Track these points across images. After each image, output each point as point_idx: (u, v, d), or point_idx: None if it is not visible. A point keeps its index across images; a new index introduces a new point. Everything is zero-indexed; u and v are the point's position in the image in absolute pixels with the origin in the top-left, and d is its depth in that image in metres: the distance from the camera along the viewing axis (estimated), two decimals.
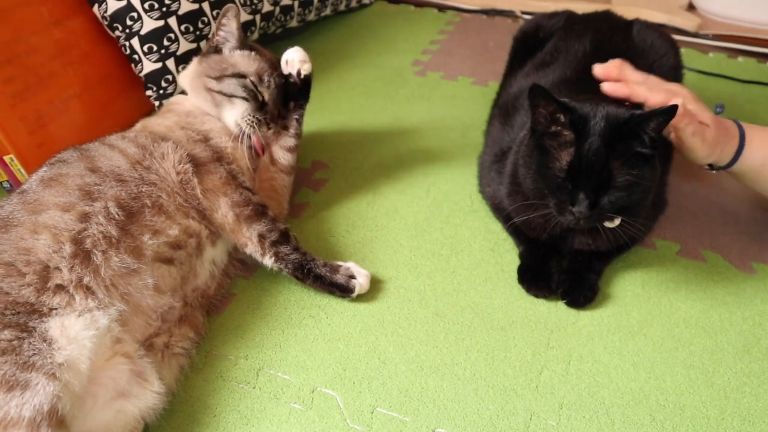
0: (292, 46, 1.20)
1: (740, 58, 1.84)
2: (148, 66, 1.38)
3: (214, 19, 1.46)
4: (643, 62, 1.23)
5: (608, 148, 0.86)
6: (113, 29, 1.36)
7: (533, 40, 1.33)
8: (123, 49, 1.38)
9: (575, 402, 0.87)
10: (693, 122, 0.94)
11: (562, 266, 1.06)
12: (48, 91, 1.27)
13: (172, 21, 1.38)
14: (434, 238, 1.15)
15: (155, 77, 1.39)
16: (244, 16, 1.55)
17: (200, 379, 0.91)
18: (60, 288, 0.80)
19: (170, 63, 1.39)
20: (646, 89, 0.96)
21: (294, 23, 1.80)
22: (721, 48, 1.91)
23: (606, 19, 1.31)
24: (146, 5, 1.35)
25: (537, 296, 1.02)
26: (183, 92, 1.18)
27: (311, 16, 1.86)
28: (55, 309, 0.79)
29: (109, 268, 0.84)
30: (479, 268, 1.09)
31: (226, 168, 1.03)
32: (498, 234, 1.16)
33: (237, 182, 1.02)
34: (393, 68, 1.78)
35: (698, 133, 0.94)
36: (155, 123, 1.09)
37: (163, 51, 1.38)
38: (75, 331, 0.76)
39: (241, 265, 1.08)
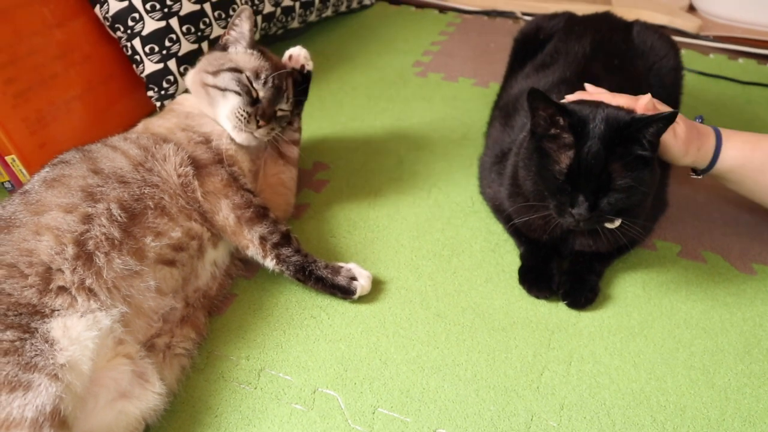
0: (293, 47, 1.21)
1: (740, 60, 1.84)
2: (150, 67, 1.39)
3: (216, 20, 1.47)
4: (643, 63, 1.24)
5: (608, 151, 0.87)
6: (115, 30, 1.37)
7: (534, 42, 1.33)
8: (124, 49, 1.39)
9: (576, 403, 0.87)
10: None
11: (563, 267, 1.06)
12: (50, 92, 1.27)
13: (174, 22, 1.38)
14: (435, 238, 1.16)
15: (157, 78, 1.40)
16: None
17: (202, 380, 0.91)
18: (62, 289, 0.81)
19: (172, 64, 1.40)
20: (609, 95, 0.99)
21: (295, 24, 1.80)
22: (722, 49, 1.91)
23: (606, 21, 1.32)
24: (148, 6, 1.35)
25: (538, 297, 1.02)
26: (187, 91, 1.17)
27: (312, 17, 1.86)
28: (58, 310, 0.79)
29: (112, 270, 0.84)
30: (480, 269, 1.09)
31: (227, 170, 1.03)
32: (499, 235, 1.16)
33: (238, 184, 1.02)
34: (394, 69, 1.79)
35: (670, 130, 0.95)
36: (156, 124, 1.09)
37: (164, 52, 1.38)
38: (77, 332, 0.76)
39: (243, 264, 1.08)
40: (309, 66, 1.22)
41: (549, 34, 1.32)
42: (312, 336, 0.97)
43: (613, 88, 1.01)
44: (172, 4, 1.38)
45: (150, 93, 1.42)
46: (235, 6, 1.51)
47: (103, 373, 0.79)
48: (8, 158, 1.19)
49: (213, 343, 0.96)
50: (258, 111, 1.06)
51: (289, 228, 1.04)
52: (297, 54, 1.21)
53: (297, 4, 1.74)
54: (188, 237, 0.96)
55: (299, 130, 1.25)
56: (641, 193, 0.90)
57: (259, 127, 1.07)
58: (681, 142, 0.96)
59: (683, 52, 1.30)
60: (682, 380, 0.90)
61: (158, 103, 1.42)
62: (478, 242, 1.15)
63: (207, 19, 1.45)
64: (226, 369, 0.92)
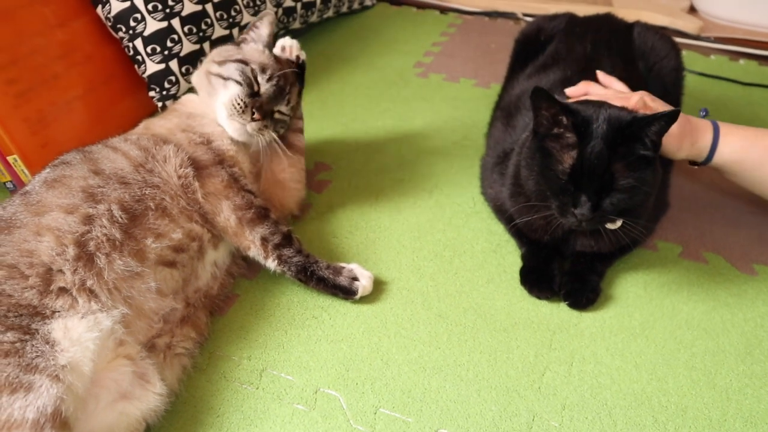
0: (282, 38, 1.22)
1: (741, 61, 1.84)
2: (152, 67, 1.39)
3: (218, 20, 1.47)
4: (643, 64, 1.24)
5: (610, 151, 0.87)
6: (117, 30, 1.37)
7: (535, 43, 1.33)
8: (126, 50, 1.39)
9: (578, 403, 0.87)
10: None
11: (564, 268, 1.06)
12: (51, 92, 1.27)
13: (176, 22, 1.39)
14: (437, 239, 1.16)
15: (158, 78, 1.40)
16: (247, 18, 1.55)
17: (203, 380, 0.91)
18: (63, 290, 0.80)
19: (173, 64, 1.40)
20: (608, 93, 1.03)
21: (296, 25, 1.80)
22: (723, 51, 1.91)
23: (607, 22, 1.32)
24: (150, 6, 1.35)
25: (539, 298, 1.02)
26: (191, 91, 1.17)
27: (314, 18, 1.86)
28: (58, 311, 0.79)
29: (113, 271, 0.84)
30: (482, 270, 1.09)
31: (228, 171, 1.03)
32: (500, 235, 1.16)
33: (239, 185, 1.02)
34: (395, 70, 1.79)
35: None
36: (158, 124, 1.09)
37: (166, 52, 1.38)
38: (78, 333, 0.76)
39: (244, 263, 1.08)
40: (303, 56, 1.23)
41: (550, 35, 1.32)
42: (314, 336, 0.97)
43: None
44: (174, 5, 1.38)
45: (152, 93, 1.42)
46: (237, 7, 1.52)
47: (104, 374, 0.79)
48: (10, 158, 1.19)
49: (215, 343, 0.96)
50: (255, 103, 1.05)
51: (291, 228, 1.04)
52: (290, 45, 1.21)
53: (298, 5, 1.74)
54: (189, 238, 0.96)
55: (302, 116, 1.25)
56: (643, 193, 0.90)
57: (253, 120, 1.04)
58: (673, 137, 0.97)
59: (684, 53, 1.30)
60: (683, 381, 0.90)
61: (160, 104, 1.42)
62: (480, 243, 1.15)
63: (209, 20, 1.45)
64: (227, 369, 0.92)
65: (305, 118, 1.28)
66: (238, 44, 1.13)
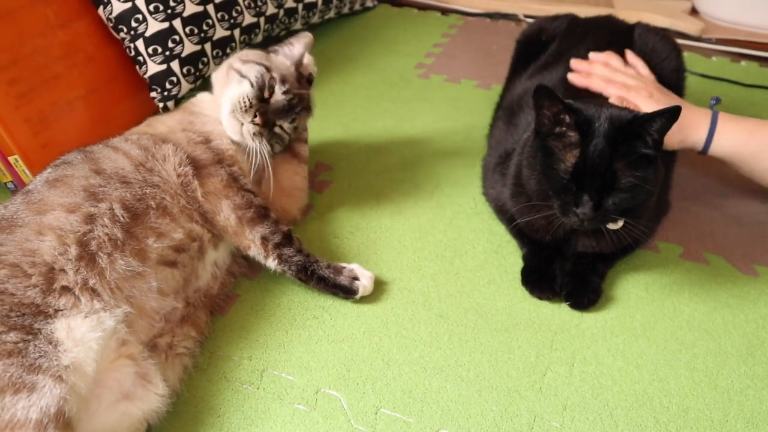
0: None
1: (743, 62, 1.84)
2: (153, 68, 1.39)
3: (219, 21, 1.47)
4: None
5: (612, 150, 0.87)
6: (118, 31, 1.37)
7: (536, 44, 1.33)
8: (128, 50, 1.39)
9: (579, 404, 0.87)
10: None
11: (566, 268, 1.06)
12: (52, 93, 1.27)
13: (177, 23, 1.39)
14: (438, 239, 1.16)
15: (160, 79, 1.40)
16: (248, 19, 1.56)
17: (204, 380, 0.91)
18: (65, 290, 0.80)
19: (175, 65, 1.40)
20: (602, 82, 1.09)
21: (298, 26, 1.81)
22: (724, 52, 1.91)
23: (608, 23, 1.32)
24: (151, 7, 1.35)
25: (540, 298, 1.02)
26: (192, 91, 1.17)
27: (315, 19, 1.87)
28: (61, 310, 0.79)
29: (114, 270, 0.84)
30: (483, 270, 1.09)
31: (227, 170, 1.03)
32: (501, 236, 1.16)
33: (239, 185, 1.02)
34: (396, 71, 1.79)
35: None
36: (160, 121, 1.10)
37: (167, 53, 1.39)
38: (81, 333, 0.76)
39: (245, 262, 1.08)
40: (314, 72, 1.22)
41: (551, 35, 1.32)
42: (314, 336, 0.97)
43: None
44: (176, 6, 1.38)
45: (153, 94, 1.42)
46: (238, 8, 1.52)
47: (106, 374, 0.79)
48: (11, 159, 1.19)
49: (215, 343, 0.96)
50: (261, 108, 1.04)
51: (291, 228, 1.04)
52: (306, 63, 1.19)
53: (300, 6, 1.75)
54: (189, 238, 0.96)
55: (306, 128, 1.25)
56: (645, 192, 0.90)
57: (253, 122, 1.03)
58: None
59: (685, 54, 1.30)
60: (684, 382, 0.90)
61: (161, 104, 1.42)
62: (481, 243, 1.15)
63: (210, 21, 1.45)
64: (228, 369, 0.92)
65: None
66: (268, 52, 1.13)
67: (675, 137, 1.03)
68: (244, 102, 1.03)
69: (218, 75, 1.13)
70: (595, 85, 1.10)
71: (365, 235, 1.17)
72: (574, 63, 1.15)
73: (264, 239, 1.00)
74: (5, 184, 1.23)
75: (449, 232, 1.18)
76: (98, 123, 1.35)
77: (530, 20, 2.06)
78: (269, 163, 1.06)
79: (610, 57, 1.14)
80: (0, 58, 1.18)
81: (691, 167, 1.33)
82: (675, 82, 1.25)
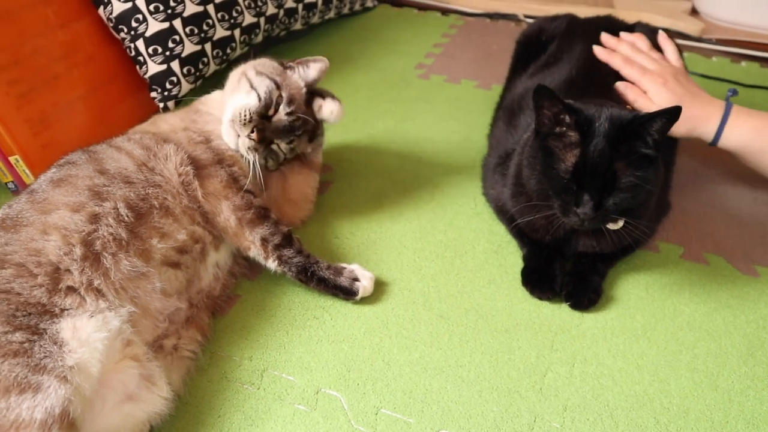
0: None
1: (743, 63, 1.84)
2: (153, 68, 1.39)
3: (219, 21, 1.47)
4: None
5: (612, 149, 0.87)
6: (118, 31, 1.37)
7: (536, 44, 1.33)
8: (128, 50, 1.39)
9: (579, 404, 0.87)
10: (640, 97, 1.06)
11: (566, 268, 1.06)
12: (53, 93, 1.27)
13: (177, 23, 1.39)
14: (438, 240, 1.16)
15: (160, 79, 1.40)
16: (249, 19, 1.56)
17: (205, 380, 0.91)
18: (71, 290, 0.80)
19: (175, 65, 1.40)
20: (621, 61, 1.11)
21: (298, 26, 1.81)
22: (725, 52, 1.91)
23: (608, 23, 1.32)
24: (151, 7, 1.35)
25: (541, 298, 1.02)
26: (193, 91, 1.16)
27: (315, 19, 1.87)
28: (67, 309, 0.79)
29: (119, 271, 0.84)
30: (483, 270, 1.09)
31: (227, 171, 1.03)
32: (501, 236, 1.16)
33: (238, 185, 1.02)
34: (396, 71, 1.79)
35: (647, 109, 1.01)
36: (163, 120, 1.10)
37: (168, 53, 1.39)
38: (87, 334, 0.76)
39: (246, 263, 1.08)
40: (334, 119, 1.16)
41: (551, 36, 1.32)
42: (315, 337, 0.97)
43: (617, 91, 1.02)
44: (176, 6, 1.38)
45: (153, 94, 1.42)
46: (238, 8, 1.52)
47: (110, 375, 0.79)
48: (12, 159, 1.19)
49: (216, 343, 0.96)
50: (260, 125, 1.03)
51: (291, 229, 1.04)
52: (336, 117, 1.15)
53: (300, 6, 1.74)
54: (192, 240, 0.96)
55: (323, 133, 1.22)
56: (646, 192, 0.90)
57: (249, 137, 1.03)
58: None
59: (686, 54, 1.30)
60: (685, 382, 0.90)
61: (161, 105, 1.42)
62: (481, 244, 1.15)
63: (210, 21, 1.45)
64: (229, 369, 0.92)
65: None
66: (285, 67, 1.13)
67: (682, 126, 1.03)
68: (245, 115, 1.02)
69: (233, 77, 1.12)
70: (615, 62, 1.11)
71: (366, 236, 1.17)
72: (605, 37, 1.17)
73: (264, 240, 1.00)
74: (6, 184, 1.23)
75: (449, 232, 1.18)
76: (99, 123, 1.35)
77: (530, 20, 2.06)
78: (261, 176, 1.05)
79: (638, 38, 1.16)
80: (0, 58, 1.18)
81: (692, 167, 1.33)
82: None
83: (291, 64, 1.13)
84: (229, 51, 1.52)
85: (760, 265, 1.10)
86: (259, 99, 1.04)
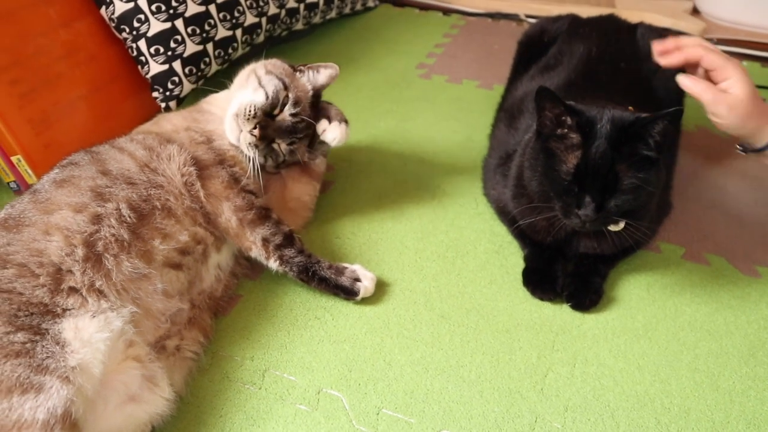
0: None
1: (744, 63, 1.84)
2: (155, 68, 1.39)
3: (221, 21, 1.47)
4: (647, 65, 1.23)
5: (614, 151, 0.87)
6: (120, 31, 1.37)
7: (538, 44, 1.33)
8: (130, 50, 1.39)
9: (580, 405, 0.87)
10: (709, 90, 0.96)
11: (567, 269, 1.06)
12: (55, 93, 1.28)
13: (179, 23, 1.39)
14: (439, 240, 1.16)
15: (162, 79, 1.40)
16: (250, 19, 1.56)
17: (206, 380, 0.91)
18: (73, 290, 0.81)
19: (177, 65, 1.40)
20: (702, 49, 0.99)
21: (299, 26, 1.81)
22: (726, 52, 1.90)
23: (610, 23, 1.32)
24: (153, 7, 1.36)
25: (542, 299, 1.02)
26: (193, 92, 1.16)
27: (316, 19, 1.87)
28: (70, 309, 0.79)
29: (120, 272, 0.85)
30: (484, 271, 1.09)
31: (228, 171, 1.03)
32: (503, 236, 1.16)
33: (239, 186, 1.02)
34: (398, 71, 1.79)
35: (721, 102, 0.95)
36: (166, 120, 1.10)
37: (169, 53, 1.39)
38: (89, 334, 0.76)
39: (248, 263, 1.08)
40: (339, 141, 1.13)
41: (553, 36, 1.32)
42: (316, 337, 0.97)
43: (618, 91, 1.02)
44: (178, 6, 1.38)
45: (155, 94, 1.42)
46: (240, 8, 1.52)
47: (113, 375, 0.79)
48: (14, 159, 1.20)
49: (218, 343, 0.96)
50: (263, 122, 1.04)
51: (292, 229, 1.04)
52: (338, 143, 1.13)
53: (301, 6, 1.75)
54: (194, 241, 0.96)
55: (326, 152, 1.21)
56: (647, 193, 0.90)
57: (251, 133, 1.03)
58: (736, 115, 0.94)
59: None
60: (686, 383, 0.90)
61: (163, 105, 1.43)
62: (482, 244, 1.15)
63: (212, 21, 1.45)
64: (230, 369, 0.92)
65: None
66: (295, 70, 1.13)
67: (751, 121, 0.94)
68: (250, 110, 1.03)
69: (241, 75, 1.13)
70: (694, 51, 1.00)
71: (367, 236, 1.17)
72: (657, 44, 1.03)
73: (265, 240, 1.00)
74: (8, 184, 1.24)
75: (451, 232, 1.18)
76: (100, 123, 1.36)
77: (532, 20, 2.06)
78: (260, 175, 1.06)
79: (678, 40, 1.04)
80: (2, 58, 1.19)
81: (693, 168, 1.33)
82: (674, 83, 1.25)
83: (301, 67, 1.13)
84: (230, 51, 1.52)
85: (761, 266, 1.10)
86: (267, 97, 1.04)
